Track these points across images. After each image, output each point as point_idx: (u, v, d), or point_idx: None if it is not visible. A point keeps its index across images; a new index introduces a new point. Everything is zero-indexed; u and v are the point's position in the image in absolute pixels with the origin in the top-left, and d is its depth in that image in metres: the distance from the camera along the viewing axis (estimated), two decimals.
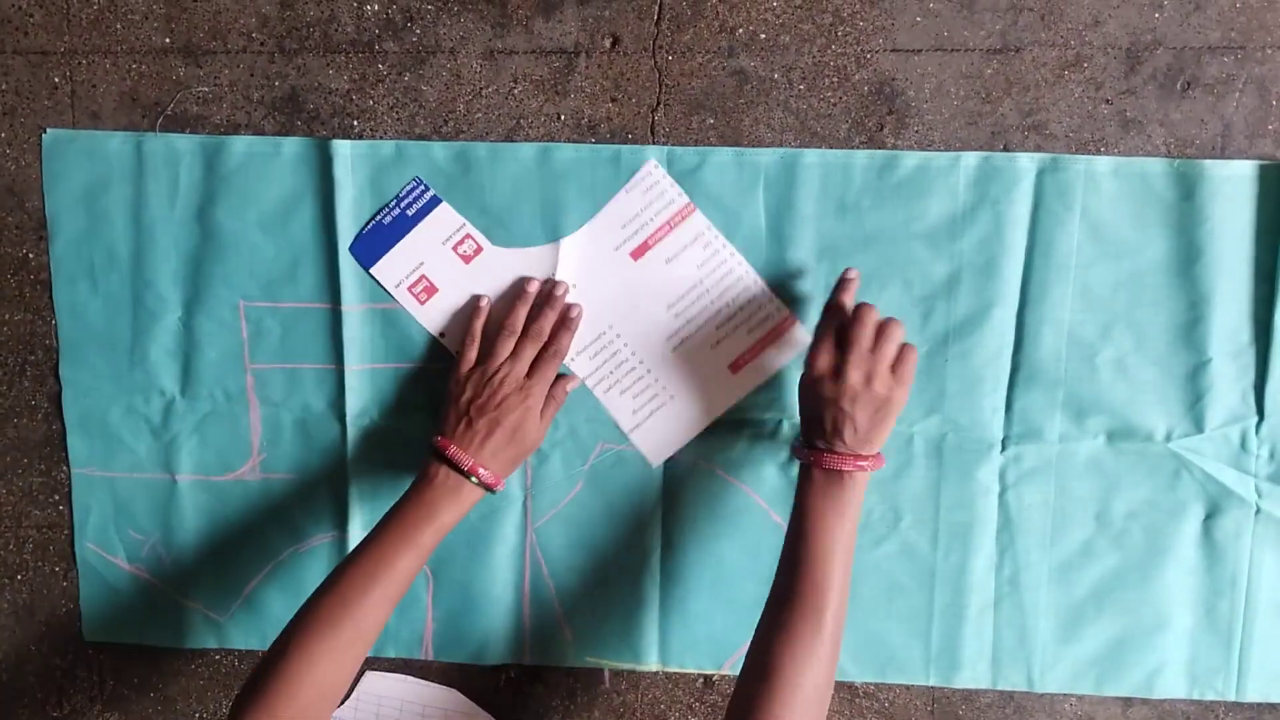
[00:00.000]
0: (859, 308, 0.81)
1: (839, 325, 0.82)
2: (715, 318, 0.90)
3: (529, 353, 0.87)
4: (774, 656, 0.75)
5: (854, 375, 0.78)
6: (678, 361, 0.90)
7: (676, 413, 0.91)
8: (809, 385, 0.81)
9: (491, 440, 0.83)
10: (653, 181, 0.88)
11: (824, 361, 0.80)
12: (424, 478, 0.83)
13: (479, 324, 0.89)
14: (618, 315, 0.90)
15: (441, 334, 0.91)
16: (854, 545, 0.79)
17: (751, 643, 0.78)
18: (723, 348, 0.90)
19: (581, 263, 0.89)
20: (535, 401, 0.85)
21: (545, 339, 0.87)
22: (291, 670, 0.75)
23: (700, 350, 0.90)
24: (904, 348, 0.81)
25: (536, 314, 0.88)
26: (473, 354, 0.88)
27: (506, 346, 0.87)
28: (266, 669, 0.75)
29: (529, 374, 0.86)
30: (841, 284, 0.84)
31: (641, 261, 0.89)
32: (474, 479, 0.82)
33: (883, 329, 0.80)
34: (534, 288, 0.89)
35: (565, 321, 0.89)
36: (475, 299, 0.90)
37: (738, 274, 0.89)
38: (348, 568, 0.79)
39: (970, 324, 0.89)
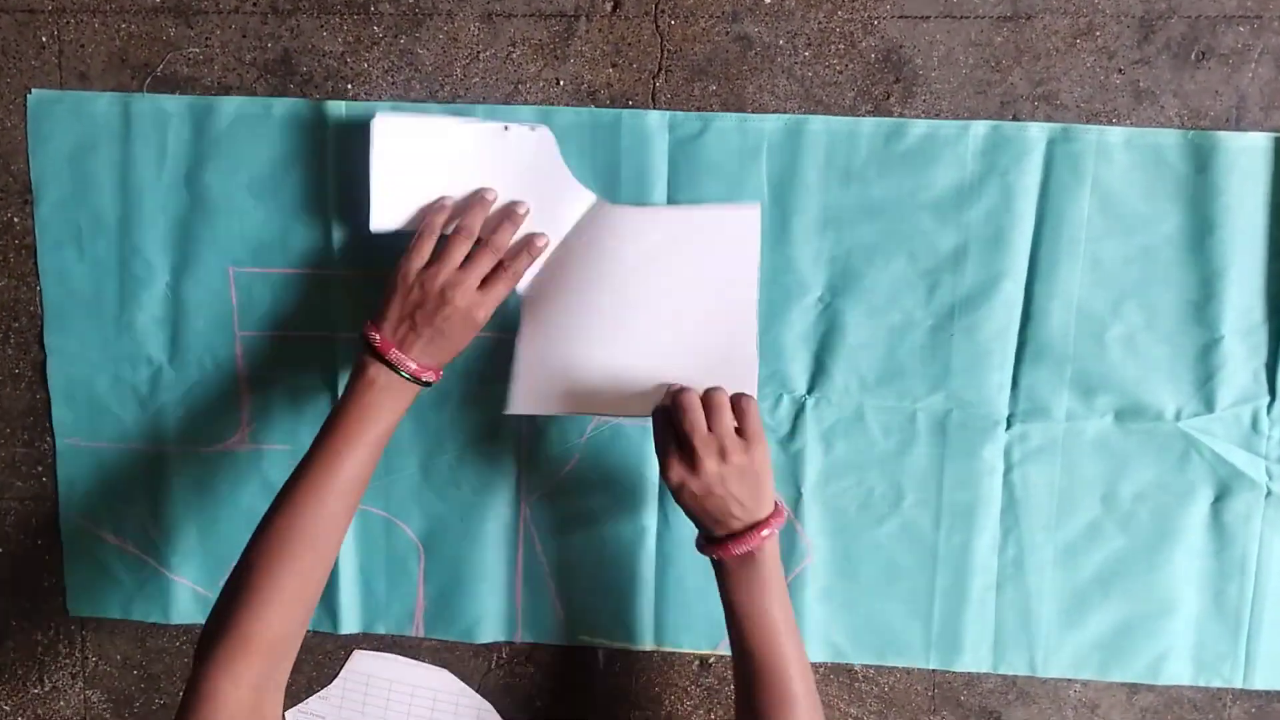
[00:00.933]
0: (676, 396, 0.79)
1: (667, 423, 0.80)
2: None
3: (485, 263, 0.82)
4: None
5: (708, 463, 0.76)
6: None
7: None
8: (677, 493, 0.78)
9: (431, 346, 0.80)
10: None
11: (676, 470, 0.78)
12: (363, 379, 0.79)
13: (440, 219, 0.83)
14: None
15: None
16: (790, 603, 0.79)
17: None
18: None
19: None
20: (482, 319, 0.82)
21: (503, 253, 0.83)
22: (257, 594, 0.73)
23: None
24: (739, 403, 0.79)
25: (495, 225, 0.83)
26: (428, 249, 0.81)
27: (461, 251, 0.81)
28: (230, 598, 0.73)
29: (480, 285, 0.82)
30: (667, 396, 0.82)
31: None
32: (413, 379, 0.79)
33: (708, 402, 0.79)
34: (493, 195, 0.84)
35: (529, 247, 0.84)
36: (442, 196, 0.84)
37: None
38: (294, 481, 0.77)
39: (977, 297, 0.87)
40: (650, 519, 0.92)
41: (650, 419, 0.82)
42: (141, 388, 0.93)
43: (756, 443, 0.78)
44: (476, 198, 0.84)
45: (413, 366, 0.79)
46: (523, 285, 0.86)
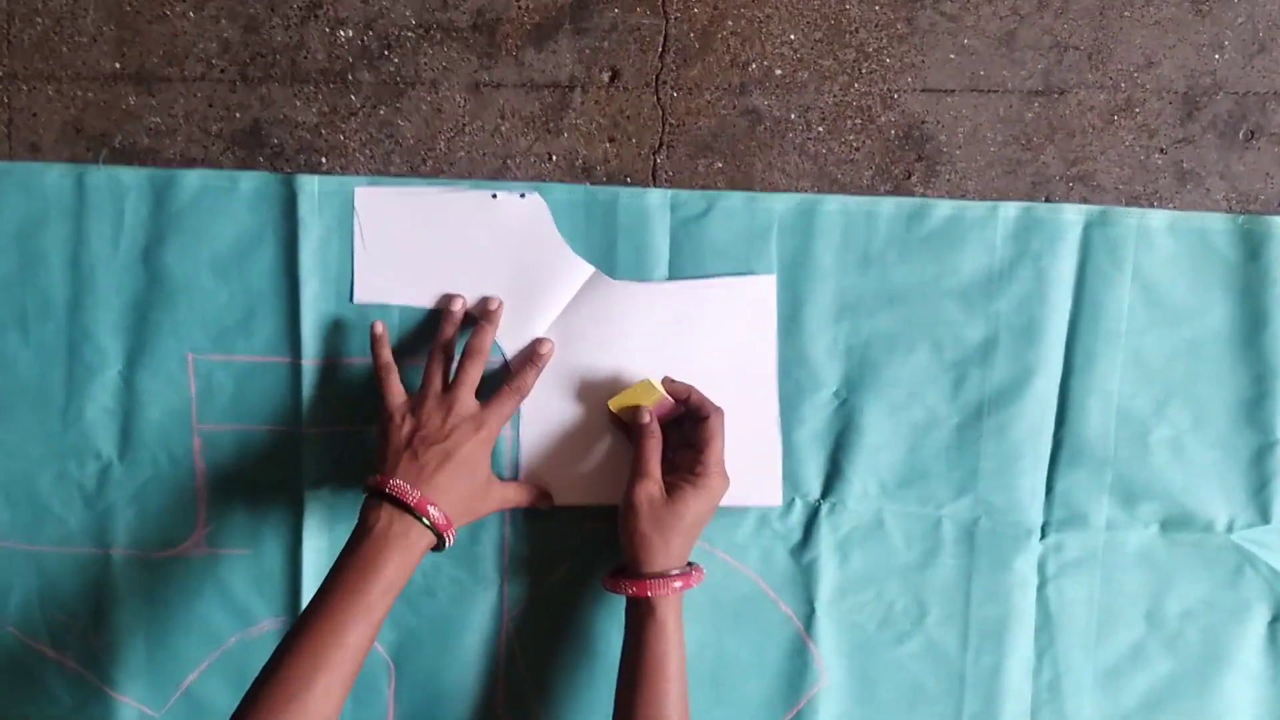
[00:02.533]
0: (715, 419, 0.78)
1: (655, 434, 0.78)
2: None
3: (474, 374, 0.77)
4: None
5: (691, 502, 0.76)
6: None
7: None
8: (633, 512, 0.76)
9: (442, 474, 0.73)
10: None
11: (720, 477, 0.77)
12: (363, 528, 0.72)
13: (387, 352, 0.80)
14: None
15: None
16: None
17: None
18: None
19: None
20: (490, 434, 0.76)
21: (485, 356, 0.78)
22: None
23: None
24: (710, 424, 0.78)
25: (475, 332, 0.79)
26: (398, 386, 0.78)
27: (442, 370, 0.78)
28: None
29: (487, 406, 0.77)
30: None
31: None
32: (423, 519, 0.72)
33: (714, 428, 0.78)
34: (457, 306, 0.80)
35: (534, 358, 0.80)
36: (372, 324, 0.81)
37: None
38: (289, 649, 0.69)
39: (1008, 394, 0.81)
40: None
41: None
42: (88, 485, 0.85)
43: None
44: (444, 315, 0.80)
45: (416, 497, 0.72)
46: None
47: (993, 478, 0.82)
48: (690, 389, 0.79)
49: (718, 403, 0.79)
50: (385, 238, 0.81)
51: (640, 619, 0.74)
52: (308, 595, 0.84)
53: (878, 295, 0.81)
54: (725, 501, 0.81)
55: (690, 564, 0.77)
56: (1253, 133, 0.78)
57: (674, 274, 0.81)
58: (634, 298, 0.81)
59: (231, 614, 0.86)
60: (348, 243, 0.81)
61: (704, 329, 0.81)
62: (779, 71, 0.79)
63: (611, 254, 0.81)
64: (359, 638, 0.69)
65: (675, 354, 0.81)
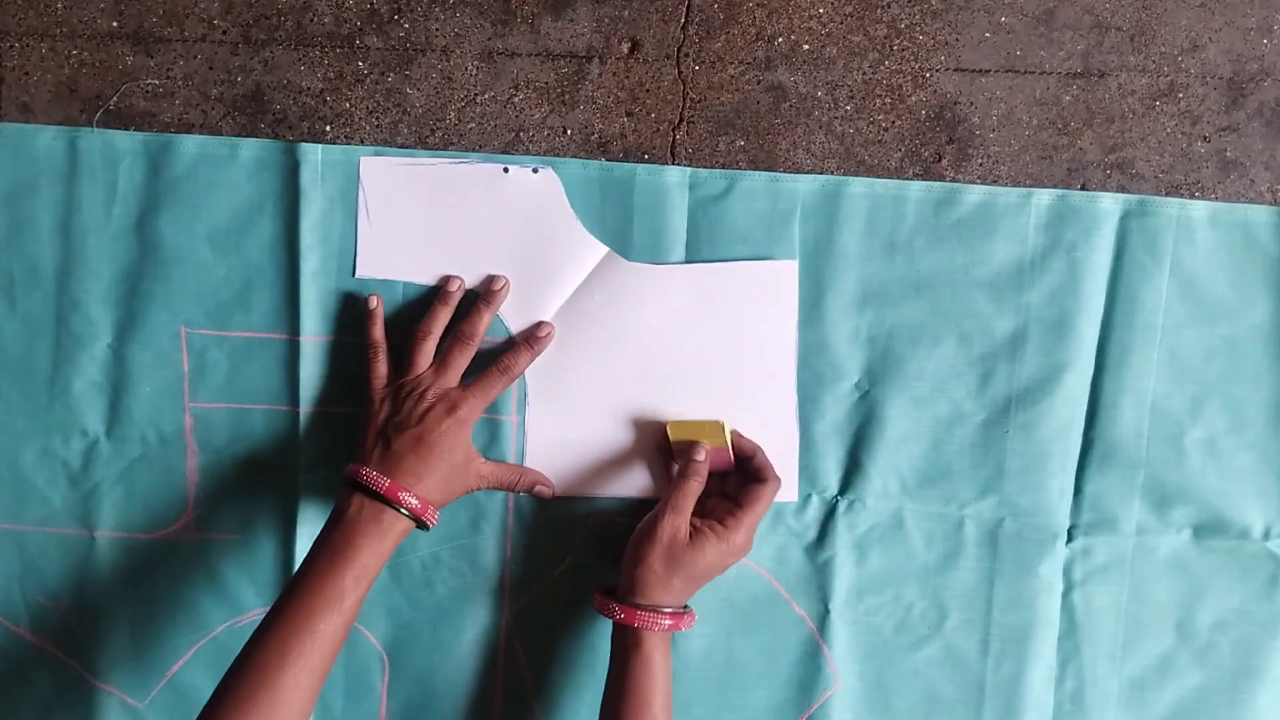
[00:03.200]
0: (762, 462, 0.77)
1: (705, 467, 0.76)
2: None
3: (459, 360, 0.76)
4: None
5: (721, 544, 0.74)
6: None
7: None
8: (655, 541, 0.73)
9: (413, 458, 0.72)
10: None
11: (672, 523, 0.74)
12: (335, 514, 0.72)
13: (378, 329, 0.77)
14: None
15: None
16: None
17: None
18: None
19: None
20: (468, 415, 0.74)
21: (476, 342, 0.76)
22: None
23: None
24: (762, 490, 0.76)
25: (470, 315, 0.77)
26: (383, 367, 0.77)
27: (425, 352, 0.76)
28: None
29: (468, 387, 0.75)
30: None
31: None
32: (399, 507, 0.70)
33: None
34: (454, 287, 0.78)
35: (530, 340, 0.77)
36: (367, 298, 0.78)
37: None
38: (259, 638, 0.68)
39: (1037, 390, 0.78)
40: None
41: None
42: (73, 463, 0.82)
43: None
44: (438, 294, 0.78)
45: (386, 483, 0.71)
46: None
47: (1019, 478, 0.79)
48: (757, 449, 0.77)
49: (734, 392, 0.76)
50: (391, 210, 0.78)
51: (626, 649, 0.72)
52: (285, 584, 0.81)
53: (903, 284, 0.77)
54: None
55: (685, 607, 0.74)
56: None
57: (691, 256, 0.78)
58: (649, 281, 0.77)
59: (220, 601, 0.83)
60: (351, 215, 0.78)
61: (721, 315, 0.78)
62: (806, 46, 0.76)
63: (626, 234, 0.78)
64: (330, 626, 0.68)
65: (690, 341, 0.78)
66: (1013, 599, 0.80)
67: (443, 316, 0.77)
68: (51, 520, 0.82)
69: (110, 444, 0.82)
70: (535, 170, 0.77)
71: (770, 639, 0.80)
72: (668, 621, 0.71)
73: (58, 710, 0.84)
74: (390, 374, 0.76)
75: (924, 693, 0.81)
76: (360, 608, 0.70)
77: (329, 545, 0.70)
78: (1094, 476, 0.78)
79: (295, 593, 0.69)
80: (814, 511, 0.79)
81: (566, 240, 0.78)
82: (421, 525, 0.72)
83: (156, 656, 0.83)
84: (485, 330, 0.77)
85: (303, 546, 0.81)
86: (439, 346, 0.77)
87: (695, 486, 0.74)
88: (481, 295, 0.77)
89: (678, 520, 0.73)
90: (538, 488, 0.79)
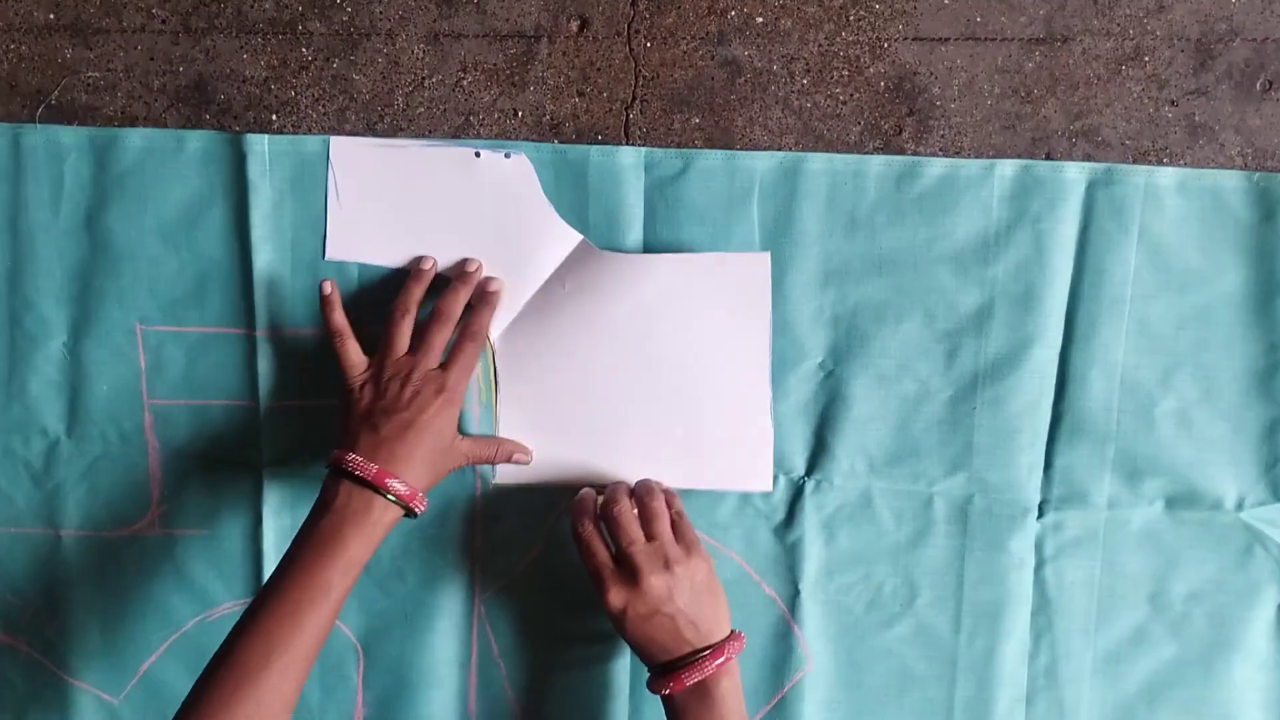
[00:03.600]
0: (606, 509, 0.73)
1: (594, 542, 0.73)
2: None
3: (438, 339, 0.73)
4: None
5: (652, 579, 0.69)
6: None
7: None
8: (619, 621, 0.70)
9: (403, 444, 0.70)
10: None
11: (616, 593, 0.70)
12: (321, 505, 0.69)
13: (339, 315, 0.75)
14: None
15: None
16: None
17: None
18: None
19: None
20: (456, 396, 0.72)
21: (454, 320, 0.74)
22: None
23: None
24: (668, 501, 0.74)
25: (446, 293, 0.75)
26: (355, 352, 0.74)
27: (403, 331, 0.73)
28: None
29: (448, 365, 0.73)
30: (576, 504, 0.75)
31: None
32: (386, 494, 0.68)
33: (644, 510, 0.73)
34: (427, 265, 0.76)
35: (484, 296, 0.76)
36: (321, 284, 0.77)
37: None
38: (243, 631, 0.66)
39: (1004, 365, 0.77)
40: None
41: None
42: (35, 463, 0.82)
43: (695, 551, 0.72)
44: (411, 273, 0.76)
45: (373, 470, 0.68)
46: (496, 334, 0.77)
47: (988, 453, 0.78)
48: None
49: (706, 385, 0.77)
50: (361, 192, 0.76)
51: (691, 712, 0.69)
52: (269, 577, 0.80)
53: (866, 260, 0.76)
54: (711, 485, 0.79)
55: (732, 631, 0.72)
56: (1271, 83, 0.73)
57: (649, 237, 0.76)
58: (621, 270, 0.76)
59: (189, 597, 0.83)
60: (302, 206, 0.77)
61: (694, 307, 0.76)
62: (760, 19, 0.74)
63: (582, 217, 0.76)
64: (317, 619, 0.66)
65: (662, 332, 0.77)
66: (984, 575, 0.79)
67: (418, 294, 0.75)
68: (16, 520, 0.82)
69: (71, 443, 0.81)
70: (507, 155, 0.75)
71: (741, 621, 0.79)
72: (721, 658, 0.69)
73: (34, 707, 0.85)
74: (361, 359, 0.74)
75: (897, 670, 0.80)
76: (345, 601, 0.69)
77: (315, 536, 0.68)
78: (1064, 450, 0.77)
79: (280, 586, 0.67)
80: (781, 493, 0.79)
81: (539, 227, 0.76)
82: (410, 513, 0.70)
83: (129, 653, 0.84)
84: (460, 310, 0.75)
85: (269, 540, 0.81)
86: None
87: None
88: (456, 277, 0.76)
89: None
90: (516, 455, 0.78)
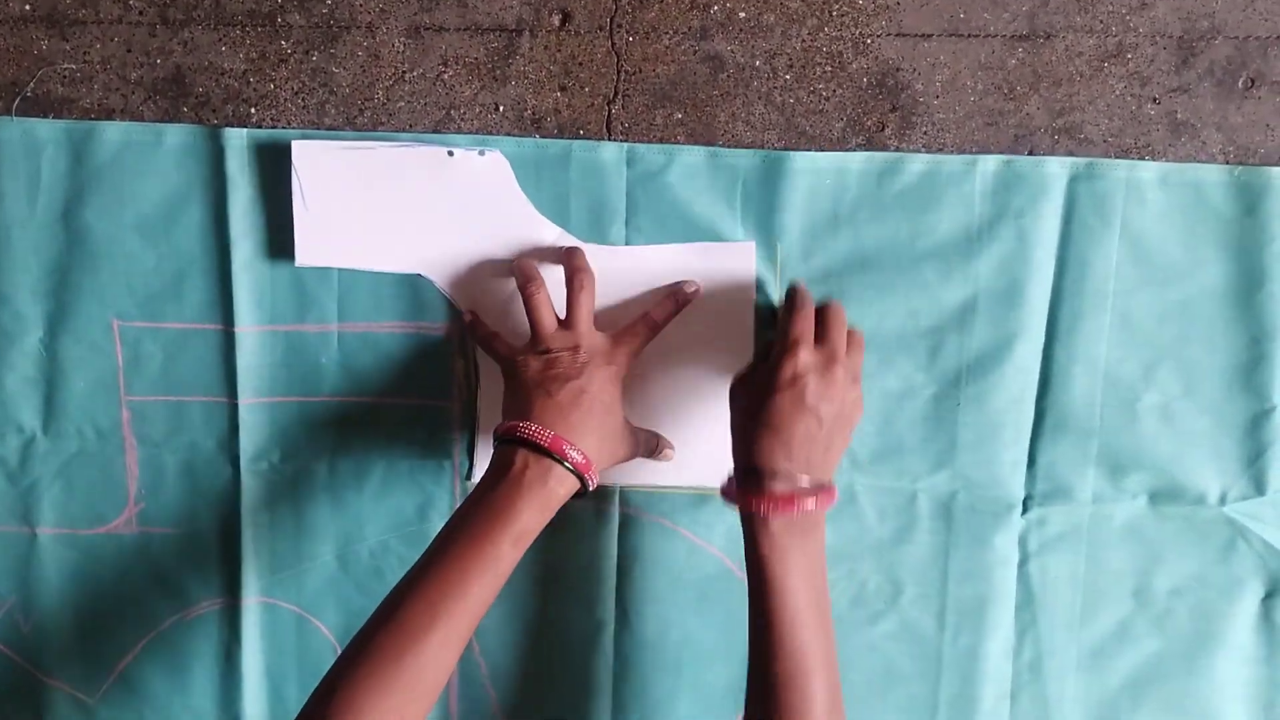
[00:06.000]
0: (791, 294, 0.71)
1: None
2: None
3: (588, 305, 0.72)
4: None
5: (839, 370, 0.67)
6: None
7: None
8: (785, 384, 0.66)
9: (577, 412, 0.68)
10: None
11: (807, 354, 0.67)
12: (497, 472, 0.66)
13: (531, 267, 0.74)
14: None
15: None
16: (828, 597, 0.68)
17: None
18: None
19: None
20: (621, 370, 0.71)
21: (594, 280, 0.73)
22: None
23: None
24: (851, 334, 0.71)
25: (571, 256, 0.74)
26: (550, 315, 0.73)
27: (548, 308, 0.72)
28: None
29: (615, 339, 0.72)
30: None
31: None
32: (564, 462, 0.66)
33: (827, 313, 0.70)
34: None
35: (676, 294, 0.75)
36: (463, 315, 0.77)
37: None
38: (406, 595, 0.63)
39: (988, 361, 0.76)
40: (608, 613, 0.81)
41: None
42: (10, 460, 0.81)
43: (858, 383, 0.70)
44: (516, 260, 0.75)
45: (549, 435, 0.66)
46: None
47: (971, 450, 0.78)
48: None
49: (689, 376, 0.77)
50: (328, 196, 0.75)
51: (782, 540, 0.66)
52: (247, 576, 0.80)
53: (848, 257, 0.76)
54: (695, 482, 0.78)
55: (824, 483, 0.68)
56: (1253, 81, 0.73)
57: (631, 233, 0.76)
58: (603, 262, 0.75)
59: (167, 596, 0.82)
60: (282, 201, 0.76)
61: None
62: (743, 14, 0.74)
63: (564, 212, 0.75)
64: (483, 589, 0.64)
65: None
66: (968, 571, 0.79)
67: (532, 260, 0.74)
68: None
69: (47, 440, 0.80)
70: (481, 153, 0.75)
71: (725, 618, 0.80)
72: (829, 501, 0.67)
73: (9, 707, 0.84)
74: (554, 322, 0.72)
75: (881, 667, 0.80)
76: (510, 573, 0.66)
77: (489, 504, 0.65)
78: (1047, 446, 0.77)
79: (448, 553, 0.64)
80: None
81: (518, 223, 0.76)
82: (584, 488, 0.68)
83: (106, 652, 0.83)
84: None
85: (247, 539, 0.80)
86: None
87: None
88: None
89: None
90: (668, 452, 0.77)
